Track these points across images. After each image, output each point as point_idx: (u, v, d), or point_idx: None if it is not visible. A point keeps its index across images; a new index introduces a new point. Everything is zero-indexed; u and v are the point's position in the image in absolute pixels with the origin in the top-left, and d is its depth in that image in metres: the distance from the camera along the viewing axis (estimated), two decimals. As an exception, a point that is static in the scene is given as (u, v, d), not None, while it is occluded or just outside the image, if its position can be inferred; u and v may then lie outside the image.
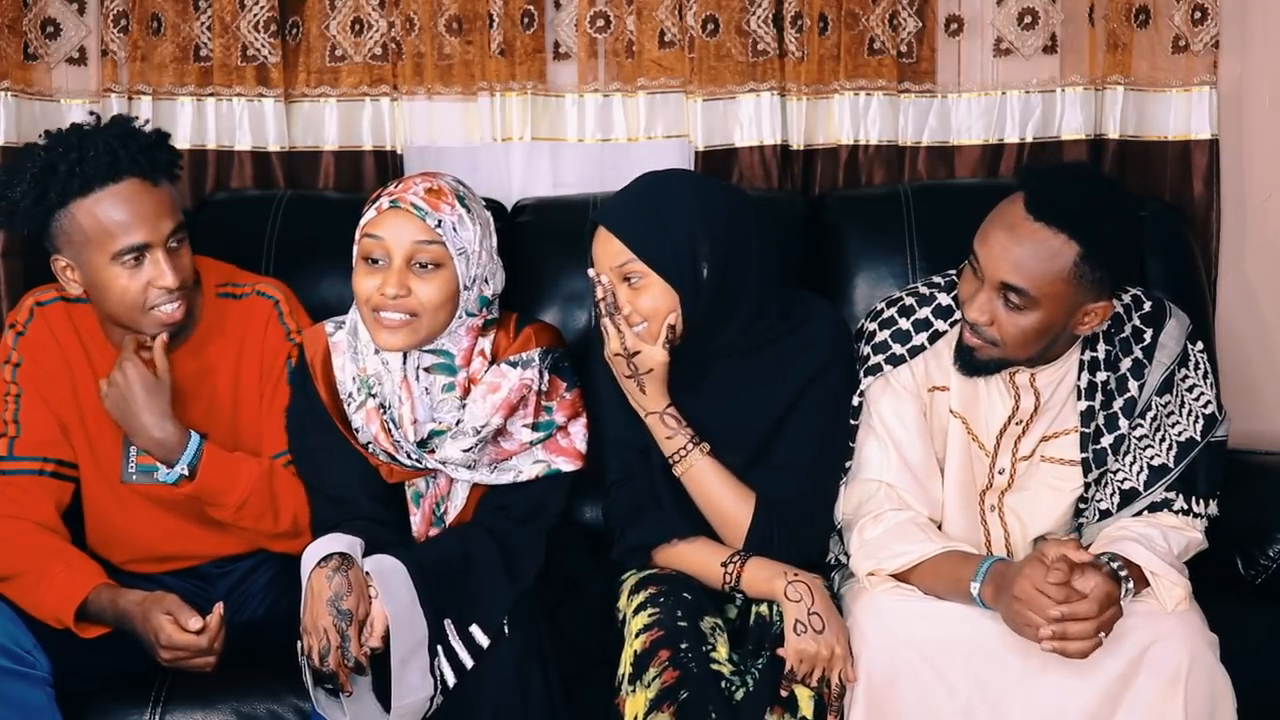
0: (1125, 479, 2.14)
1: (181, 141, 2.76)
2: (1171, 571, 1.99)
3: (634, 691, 1.95)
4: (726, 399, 2.17)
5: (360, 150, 2.89)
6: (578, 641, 2.13)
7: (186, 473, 2.13)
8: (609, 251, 2.10)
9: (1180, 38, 2.82)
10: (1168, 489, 2.12)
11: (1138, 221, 2.07)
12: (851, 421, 2.20)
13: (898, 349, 2.20)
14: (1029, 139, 2.90)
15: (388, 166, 2.88)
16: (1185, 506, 2.12)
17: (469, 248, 2.13)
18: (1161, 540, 2.05)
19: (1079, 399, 2.16)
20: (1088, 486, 2.16)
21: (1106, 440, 2.15)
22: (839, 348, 2.22)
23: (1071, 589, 1.90)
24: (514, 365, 2.19)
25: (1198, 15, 2.80)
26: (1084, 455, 2.15)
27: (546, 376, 2.21)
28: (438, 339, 2.17)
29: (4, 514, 2.16)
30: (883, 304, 2.27)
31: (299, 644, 1.97)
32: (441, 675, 1.98)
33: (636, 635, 1.99)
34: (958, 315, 2.17)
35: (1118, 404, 2.15)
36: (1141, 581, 2.00)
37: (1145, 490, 2.13)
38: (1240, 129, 2.86)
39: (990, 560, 2.00)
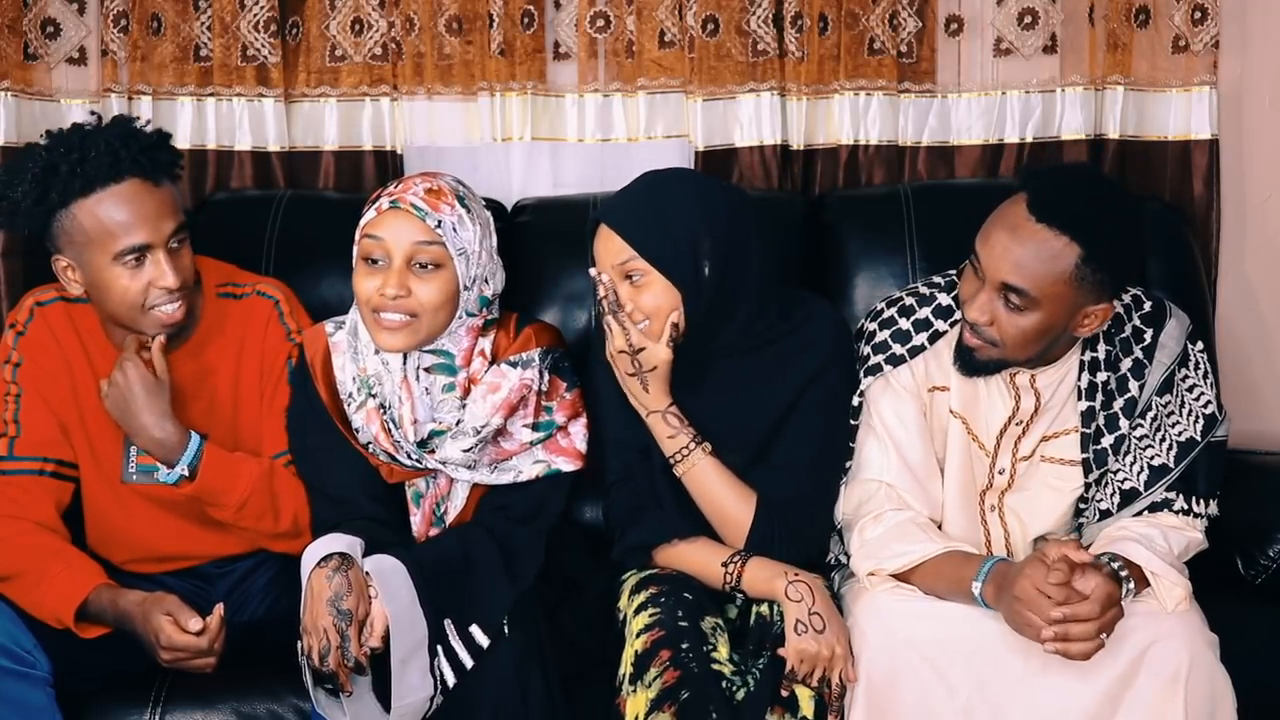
0: (1125, 479, 2.14)
1: (181, 141, 2.76)
2: (1172, 571, 1.99)
3: (635, 691, 1.95)
4: (726, 399, 2.17)
5: (360, 150, 2.89)
6: (578, 641, 2.13)
7: (187, 473, 2.13)
8: (610, 250, 2.10)
9: (1180, 38, 2.82)
10: (1168, 489, 2.12)
11: (1140, 225, 2.07)
12: (851, 421, 2.20)
13: (898, 349, 2.20)
14: (1029, 139, 2.90)
15: (388, 166, 2.88)
16: (1185, 506, 2.12)
17: (469, 248, 2.13)
18: (1162, 540, 2.05)
19: (1079, 399, 2.16)
20: (1088, 487, 2.16)
21: (1107, 440, 2.15)
22: (839, 347, 2.22)
23: (1072, 589, 1.90)
24: (514, 365, 2.19)
25: (1198, 15, 2.80)
26: (1084, 455, 2.15)
27: (546, 376, 2.21)
28: (438, 339, 2.17)
29: (4, 514, 2.15)
30: (883, 304, 2.27)
31: (299, 644, 1.97)
32: (441, 675, 1.98)
33: (637, 635, 1.99)
34: (958, 315, 2.17)
35: (1118, 404, 2.15)
36: (1142, 581, 2.00)
37: (1145, 490, 2.13)
38: (1240, 129, 2.86)
39: (992, 560, 2.00)
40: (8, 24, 2.76)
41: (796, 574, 2.07)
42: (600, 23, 2.87)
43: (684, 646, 1.97)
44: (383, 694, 1.97)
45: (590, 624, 2.15)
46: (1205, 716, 1.94)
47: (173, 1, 2.81)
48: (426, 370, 2.19)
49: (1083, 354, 2.16)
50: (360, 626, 1.95)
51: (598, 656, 2.09)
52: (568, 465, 2.20)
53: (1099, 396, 2.15)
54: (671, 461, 2.15)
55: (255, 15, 2.81)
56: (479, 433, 2.14)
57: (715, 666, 1.97)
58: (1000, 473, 2.19)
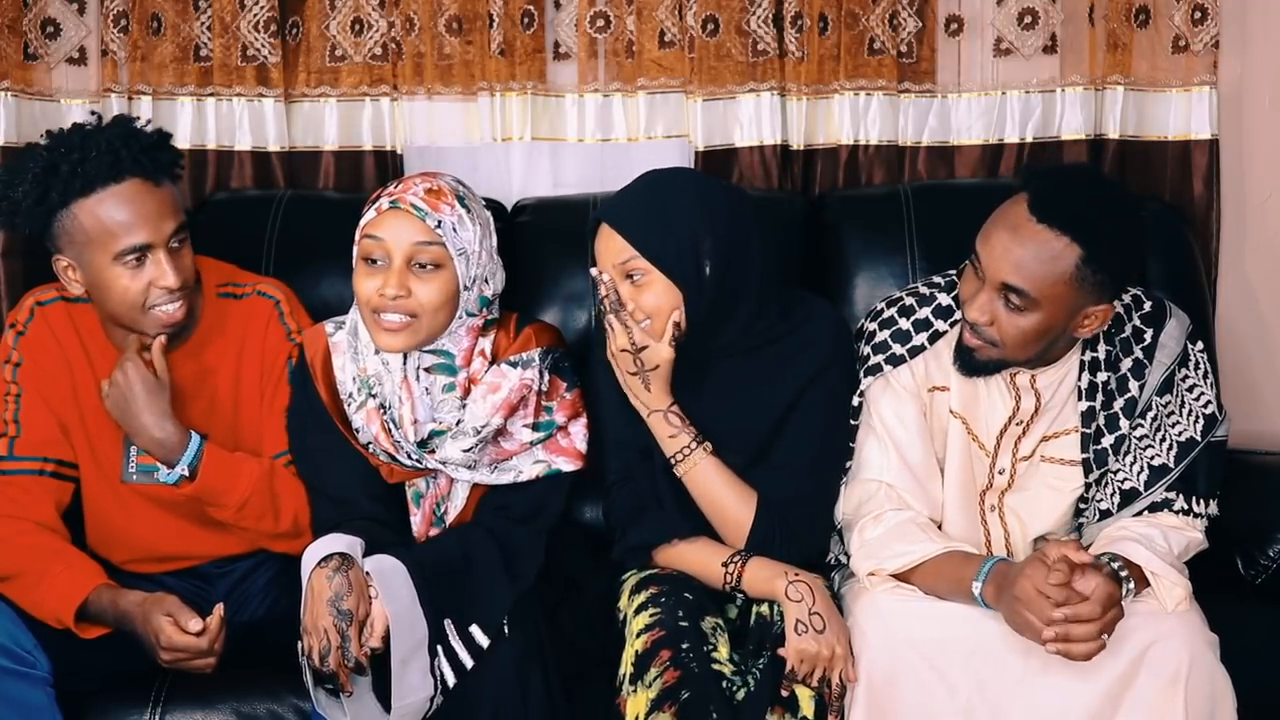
0: (1125, 479, 2.14)
1: (181, 141, 2.76)
2: (1172, 571, 1.99)
3: (635, 691, 1.95)
4: (727, 399, 2.17)
5: (360, 150, 2.89)
6: (578, 641, 2.13)
7: (187, 473, 2.13)
8: (612, 249, 2.10)
9: (1180, 38, 2.82)
10: (1168, 489, 2.12)
11: (1141, 226, 2.07)
12: (851, 422, 2.20)
13: (898, 349, 2.20)
14: (1029, 139, 2.90)
15: (388, 166, 2.88)
16: (1185, 506, 2.12)
17: (469, 248, 2.13)
18: (1162, 540, 2.06)
19: (1079, 399, 2.16)
20: (1088, 487, 2.16)
21: (1107, 440, 2.15)
22: (839, 347, 2.22)
23: (1072, 590, 1.89)
24: (514, 365, 2.19)
25: (1198, 15, 2.80)
26: (1084, 456, 2.15)
27: (547, 376, 2.21)
28: (438, 339, 2.17)
29: (4, 514, 2.15)
30: (883, 304, 2.27)
31: (299, 644, 1.97)
32: (441, 675, 1.98)
33: (637, 635, 1.99)
34: (958, 315, 2.17)
35: (1118, 404, 2.15)
36: (1142, 581, 2.00)
37: (1145, 490, 2.13)
38: (1240, 129, 2.86)
39: (992, 560, 2.00)
40: (8, 24, 2.76)
41: (797, 574, 2.07)
42: (600, 23, 2.87)
43: (684, 646, 1.97)
44: (383, 694, 1.97)
45: (590, 624, 2.15)
46: (1205, 716, 1.94)
47: (173, 1, 2.81)
48: (427, 370, 2.19)
49: (1083, 354, 2.16)
50: (361, 627, 1.95)
51: (598, 656, 2.09)
52: (568, 465, 2.20)
53: (1099, 396, 2.15)
54: (672, 461, 2.15)
55: (255, 15, 2.81)
56: (479, 433, 2.14)
57: (715, 666, 1.97)
58: (1000, 473, 2.19)
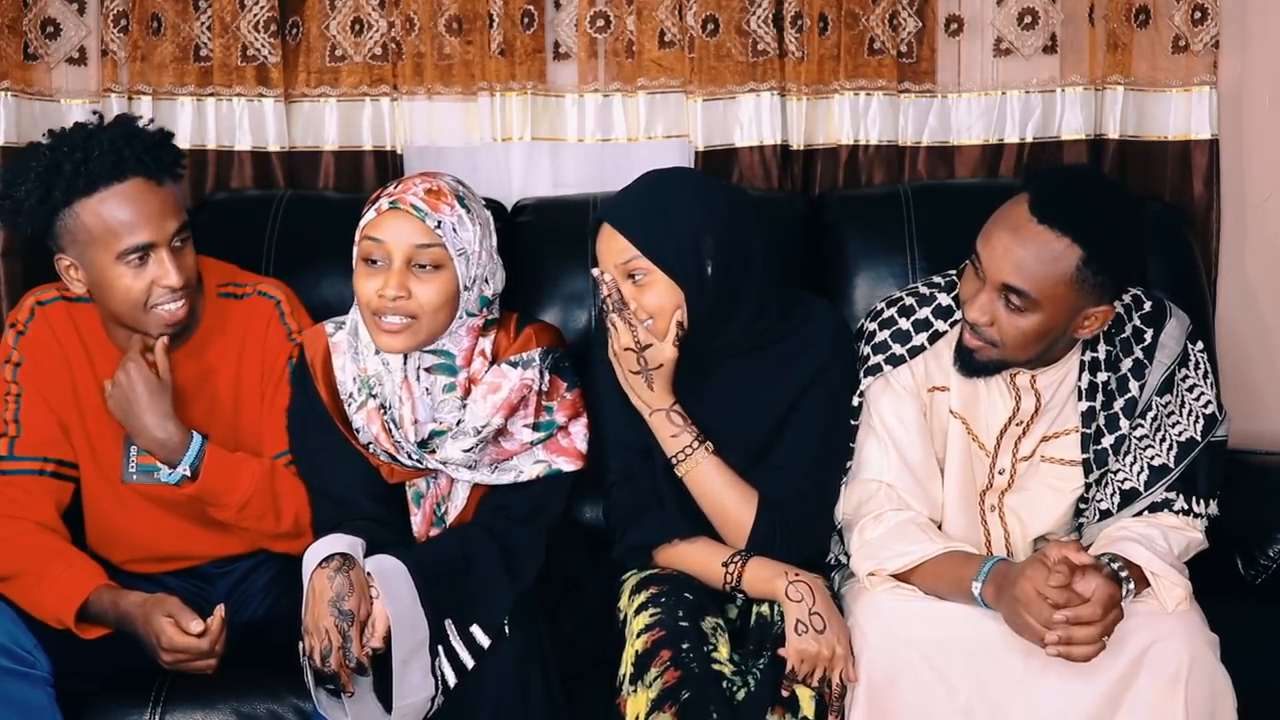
0: (1126, 479, 2.14)
1: (181, 141, 2.75)
2: (1172, 572, 1.99)
3: (635, 691, 1.95)
4: (728, 399, 2.17)
5: (360, 150, 2.89)
6: (578, 641, 2.13)
7: (189, 473, 2.13)
8: (613, 249, 2.10)
9: (1180, 38, 2.82)
10: (1168, 489, 2.12)
11: (1142, 227, 2.07)
12: (852, 422, 2.20)
13: (897, 349, 2.20)
14: (1029, 139, 2.90)
15: (388, 166, 2.88)
16: (1185, 506, 2.12)
17: (469, 248, 2.13)
18: (1162, 540, 2.06)
19: (1079, 399, 2.16)
20: (1088, 487, 2.16)
21: (1107, 440, 2.15)
22: (840, 347, 2.22)
23: (1073, 592, 1.89)
24: (514, 365, 2.19)
25: (1198, 15, 2.80)
26: (1085, 456, 2.15)
27: (547, 376, 2.21)
28: (438, 339, 2.17)
29: (4, 514, 2.15)
30: (883, 304, 2.27)
31: (300, 645, 1.97)
32: (442, 675, 1.98)
33: (638, 635, 1.99)
34: (958, 315, 2.17)
35: (1118, 404, 2.15)
36: (1142, 582, 2.00)
37: (1146, 490, 2.13)
38: (1240, 129, 2.86)
39: (992, 560, 2.00)
40: (8, 24, 2.76)
41: (797, 574, 2.07)
42: (600, 23, 2.87)
43: (684, 646, 1.97)
44: (384, 694, 1.97)
45: (590, 624, 2.15)
46: (1205, 717, 1.94)
47: (173, 1, 2.81)
48: (427, 370, 2.19)
49: (1083, 354, 2.16)
50: (362, 627, 1.95)
51: (598, 656, 2.09)
52: (568, 465, 2.20)
53: (1099, 397, 2.15)
54: (674, 461, 2.15)
55: (255, 15, 2.81)
56: (479, 433, 2.14)
57: (716, 667, 1.97)
58: (1000, 473, 2.19)
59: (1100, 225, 1.98)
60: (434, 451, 2.16)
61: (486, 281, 2.19)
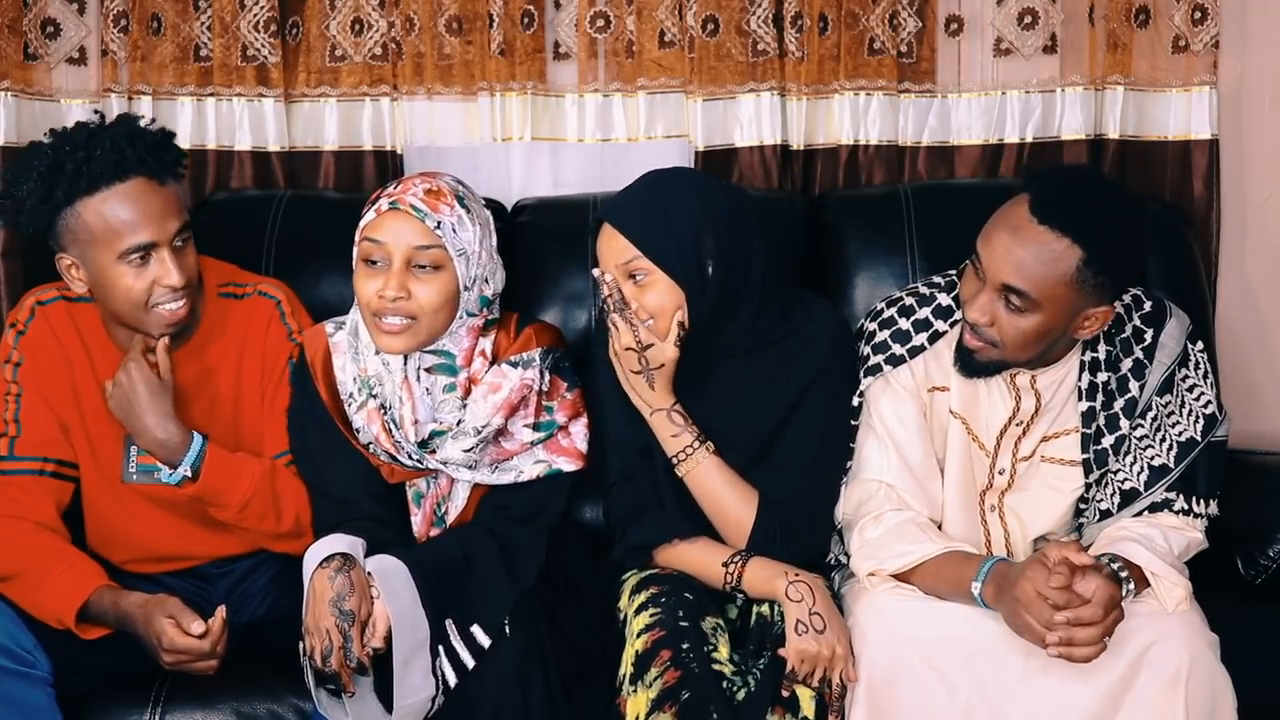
0: (1126, 479, 2.14)
1: (181, 141, 2.71)
2: (1172, 572, 1.99)
3: (635, 691, 1.95)
4: (729, 399, 2.17)
5: (360, 150, 2.89)
6: (578, 641, 2.13)
7: (190, 474, 2.13)
8: (614, 249, 2.10)
9: (1180, 38, 2.82)
10: (1168, 489, 2.12)
11: (1142, 228, 2.07)
12: (852, 422, 2.20)
13: (897, 349, 2.20)
14: (1029, 139, 2.90)
15: (388, 166, 2.88)
16: (1186, 506, 2.12)
17: (469, 249, 2.13)
18: (1162, 540, 2.06)
19: (1080, 399, 2.16)
20: (1088, 487, 2.16)
21: (1107, 441, 2.15)
22: (840, 347, 2.22)
23: (1073, 593, 1.89)
24: (515, 365, 2.19)
25: (1198, 15, 2.80)
26: (1085, 456, 2.15)
27: (547, 376, 2.21)
28: (439, 339, 2.17)
29: (4, 514, 2.15)
30: (883, 304, 2.27)
31: (301, 645, 1.97)
32: (443, 675, 1.98)
33: (638, 635, 1.99)
34: (958, 315, 2.17)
35: (1118, 404, 2.15)
36: (1142, 582, 2.00)
37: (1146, 490, 2.13)
38: (1240, 129, 2.86)
39: (991, 560, 2.00)
40: (8, 24, 2.76)
41: (797, 574, 2.07)
42: (600, 23, 2.87)
43: (685, 647, 1.97)
44: (384, 694, 1.97)
45: (590, 624, 2.15)
46: (1206, 717, 1.94)
47: (173, 1, 2.81)
48: (427, 370, 2.19)
49: (1083, 354, 2.16)
50: (363, 627, 1.95)
51: (598, 656, 2.09)
52: (569, 465, 2.20)
53: (1099, 397, 2.15)
54: (674, 461, 2.15)
55: (255, 15, 2.81)
56: (480, 433, 2.14)
57: (716, 667, 1.97)
58: (1000, 473, 2.19)
59: (1100, 226, 1.98)
60: (434, 451, 2.16)
61: (486, 281, 2.19)
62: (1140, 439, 2.14)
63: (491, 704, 1.97)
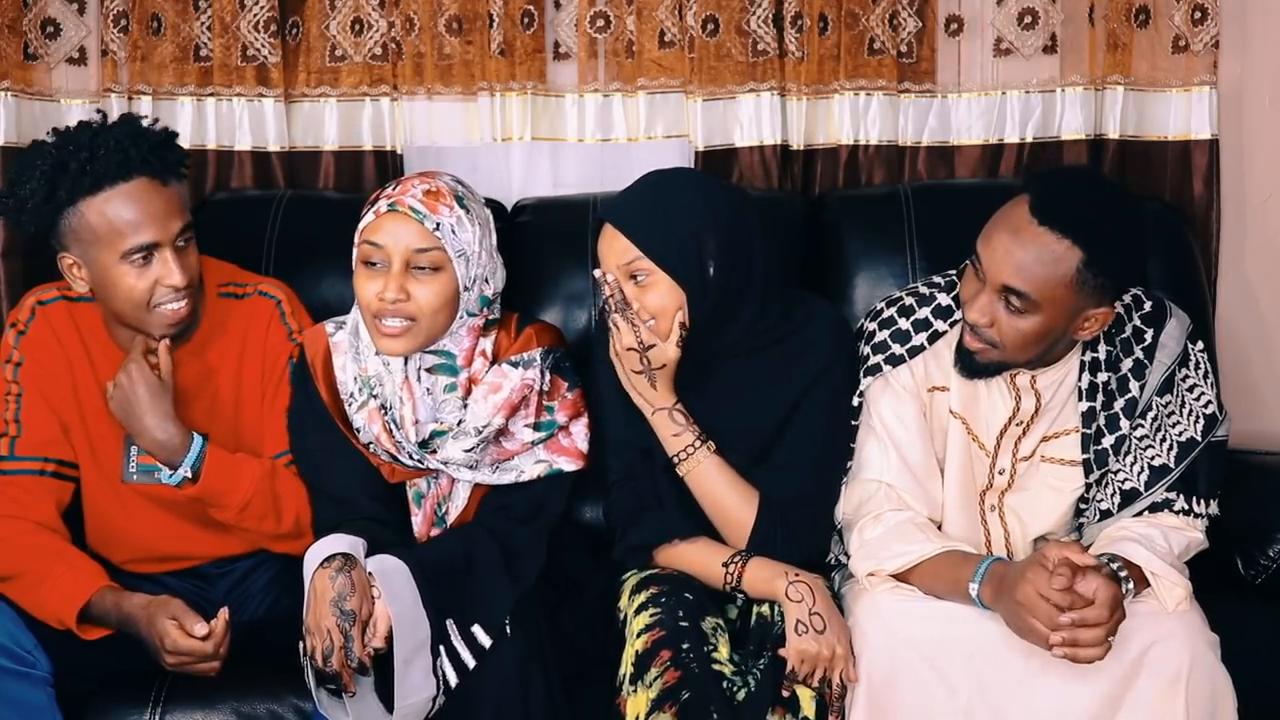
0: (1126, 479, 2.14)
1: (181, 141, 2.72)
2: (1172, 572, 1.99)
3: (635, 691, 1.95)
4: (731, 399, 2.17)
5: (360, 150, 2.89)
6: (578, 641, 2.13)
7: (189, 475, 2.13)
8: (615, 249, 2.10)
9: (1180, 38, 2.82)
10: (1168, 489, 2.12)
11: (1143, 229, 2.06)
12: (852, 422, 2.20)
13: (897, 349, 2.20)
14: (1029, 139, 2.90)
15: (388, 166, 2.88)
16: (1186, 506, 2.12)
17: (468, 249, 2.13)
18: (1162, 540, 2.06)
19: (1080, 400, 2.16)
20: (1088, 487, 2.16)
21: (1107, 441, 2.15)
22: (841, 347, 2.22)
23: (1075, 593, 1.89)
24: (515, 365, 2.19)
25: (1198, 15, 2.80)
26: (1085, 456, 2.15)
27: (548, 376, 2.21)
28: (439, 340, 2.17)
29: (5, 514, 2.15)
30: (882, 304, 2.27)
31: (301, 645, 1.97)
32: (444, 675, 1.98)
33: (638, 635, 1.99)
34: (957, 315, 2.17)
35: (1119, 404, 2.15)
36: (1141, 582, 2.00)
37: (1146, 490, 2.13)
38: (1240, 129, 2.86)
39: (988, 561, 2.00)
40: (8, 24, 2.76)
41: (797, 574, 2.07)
42: (600, 23, 2.87)
43: (685, 647, 1.97)
44: (385, 694, 1.97)
45: (591, 624, 2.16)
46: (1206, 717, 1.94)
47: (173, 1, 2.81)
48: (428, 371, 2.19)
49: (1083, 354, 2.16)
50: (364, 627, 1.95)
51: (598, 656, 2.09)
52: (569, 465, 2.20)
53: (1099, 397, 2.15)
54: (675, 460, 2.15)
55: (255, 15, 2.81)
56: (480, 433, 2.14)
57: (716, 667, 1.97)
58: (1000, 473, 2.19)
59: (1101, 227, 1.98)
60: (435, 451, 2.16)
61: (487, 281, 2.19)
62: (1140, 439, 2.14)
63: (492, 704, 1.97)
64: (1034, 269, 1.99)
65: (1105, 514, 2.14)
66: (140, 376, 2.12)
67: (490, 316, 2.22)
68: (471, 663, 1.99)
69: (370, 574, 1.98)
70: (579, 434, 2.22)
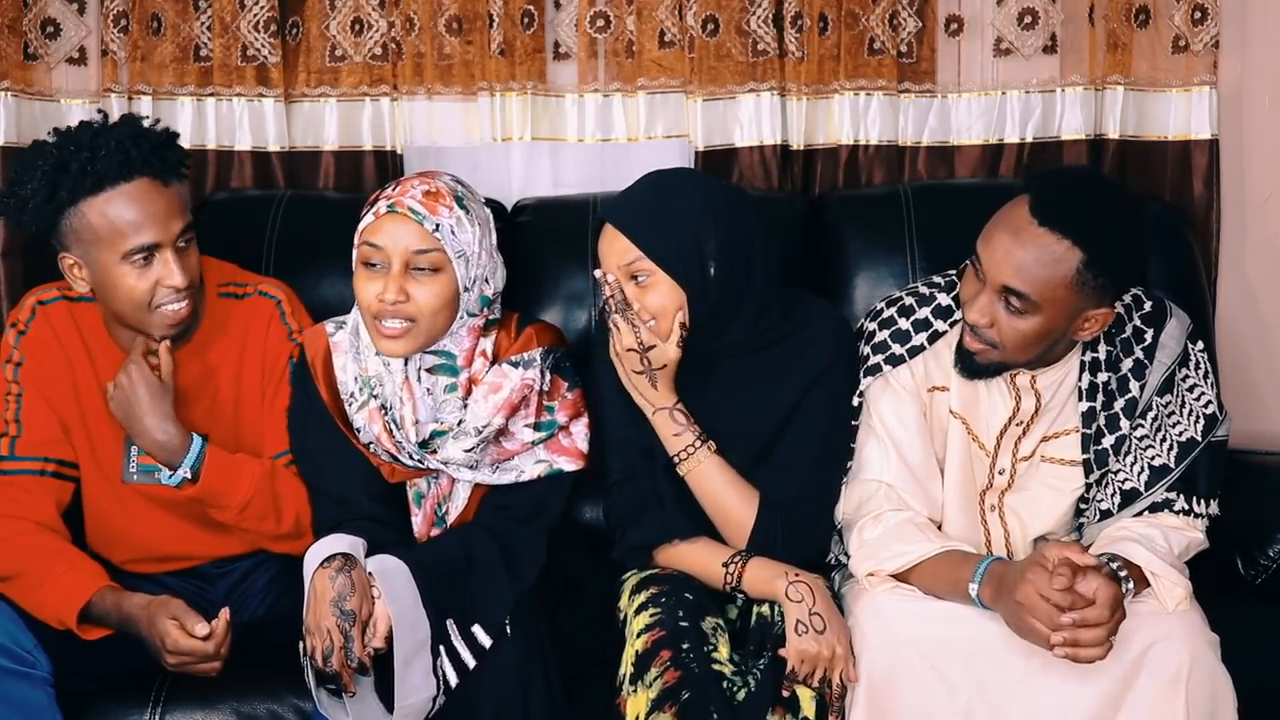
0: (1126, 479, 2.14)
1: (181, 141, 2.74)
2: (1172, 572, 1.99)
3: (635, 692, 1.96)
4: (732, 399, 2.17)
5: (360, 150, 2.89)
6: (578, 641, 2.13)
7: (189, 475, 2.13)
8: (616, 250, 2.10)
9: (1180, 38, 2.82)
10: (1168, 489, 2.12)
11: (1143, 231, 2.06)
12: (852, 422, 2.20)
13: (897, 349, 2.20)
14: (1029, 139, 2.90)
15: (388, 166, 2.88)
16: (1186, 506, 2.12)
17: (468, 250, 2.13)
18: (1162, 540, 2.06)
19: (1080, 400, 2.16)
20: (1088, 487, 2.16)
21: (1108, 441, 2.15)
22: (841, 347, 2.22)
23: (1076, 594, 1.89)
24: (515, 365, 2.19)
25: (1198, 15, 2.80)
26: (1085, 456, 2.15)
27: (548, 376, 2.21)
28: (439, 340, 2.17)
29: (5, 514, 2.15)
30: (882, 304, 2.27)
31: (301, 645, 1.97)
32: (444, 675, 1.98)
33: (638, 635, 1.99)
34: (957, 315, 2.17)
35: (1119, 404, 2.15)
36: (1141, 582, 2.00)
37: (1146, 490, 2.13)
38: (1240, 129, 2.86)
39: (988, 561, 2.00)
40: (8, 24, 2.76)
41: (797, 574, 2.07)
42: (600, 23, 2.87)
43: (685, 647, 1.97)
44: (385, 694, 1.97)
45: (590, 624, 2.16)
46: (1206, 717, 1.94)
47: (173, 1, 2.81)
48: (428, 371, 2.19)
49: (1083, 354, 2.16)
50: (364, 627, 1.95)
51: (598, 656, 2.09)
52: (569, 465, 2.20)
53: (1099, 397, 2.15)
54: (676, 460, 2.15)
55: (255, 15, 2.81)
56: (481, 433, 2.14)
57: (716, 667, 1.97)
58: (1000, 473, 2.19)
59: (1101, 228, 1.98)
60: (435, 452, 2.16)
61: (487, 281, 2.19)
62: (1140, 439, 2.14)
63: (492, 704, 1.97)
64: (1034, 269, 1.99)
65: (1105, 514, 2.14)
66: (140, 377, 2.13)
67: (490, 317, 2.22)
68: (471, 663, 1.99)
69: (370, 574, 1.98)
70: (579, 434, 2.22)
